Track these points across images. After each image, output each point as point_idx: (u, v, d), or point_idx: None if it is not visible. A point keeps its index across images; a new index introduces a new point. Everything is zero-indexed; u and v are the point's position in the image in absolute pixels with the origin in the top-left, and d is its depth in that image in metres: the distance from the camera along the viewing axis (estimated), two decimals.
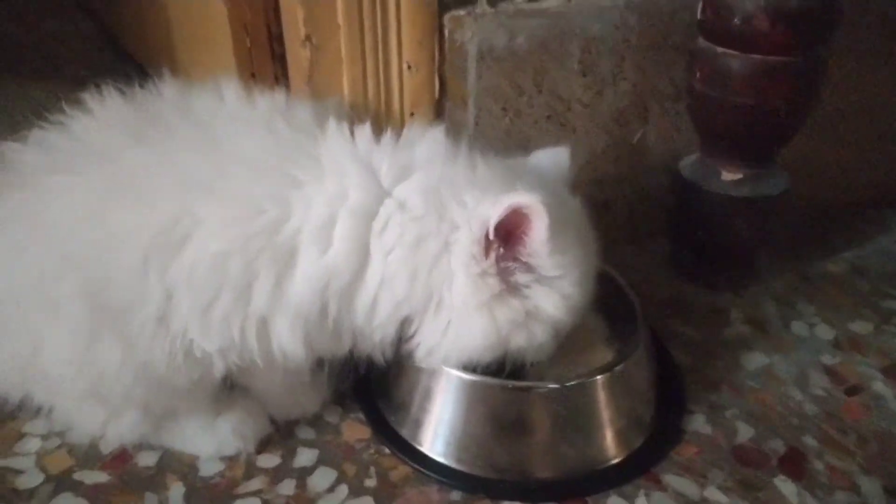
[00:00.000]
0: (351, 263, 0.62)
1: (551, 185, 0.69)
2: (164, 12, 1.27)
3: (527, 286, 0.65)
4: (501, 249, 0.63)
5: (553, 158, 0.73)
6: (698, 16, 0.85)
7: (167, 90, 0.68)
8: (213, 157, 0.63)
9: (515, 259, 0.64)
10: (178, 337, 0.62)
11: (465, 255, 0.63)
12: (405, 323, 0.66)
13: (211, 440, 0.72)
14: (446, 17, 0.82)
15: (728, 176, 0.91)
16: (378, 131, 0.67)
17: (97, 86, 0.68)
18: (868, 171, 1.16)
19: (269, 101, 0.68)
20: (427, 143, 0.67)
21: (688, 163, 0.95)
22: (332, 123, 0.66)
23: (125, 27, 1.64)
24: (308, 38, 0.81)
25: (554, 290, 0.66)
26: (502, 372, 0.71)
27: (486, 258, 0.63)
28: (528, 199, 0.59)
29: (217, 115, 0.66)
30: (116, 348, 0.62)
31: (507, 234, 0.62)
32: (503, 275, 0.64)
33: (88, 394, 0.65)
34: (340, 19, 0.79)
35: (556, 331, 0.68)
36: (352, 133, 0.66)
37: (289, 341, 0.63)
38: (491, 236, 0.62)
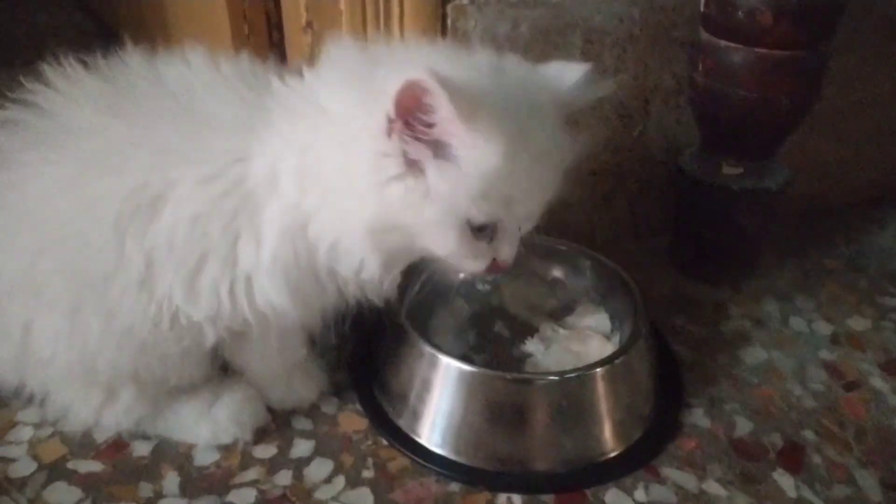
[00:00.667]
0: (296, 192, 0.61)
1: (516, 87, 0.63)
2: (162, 3, 1.26)
3: (423, 165, 0.59)
4: (406, 130, 0.58)
5: (561, 72, 0.68)
6: (701, 8, 0.85)
7: (132, 59, 0.66)
8: (181, 122, 0.62)
9: (419, 139, 0.58)
10: (164, 303, 0.61)
11: (367, 132, 0.58)
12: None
13: (207, 427, 0.71)
14: (449, 6, 0.81)
15: (729, 169, 0.90)
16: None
17: (55, 56, 0.66)
18: (868, 169, 1.16)
19: (233, 65, 0.67)
20: (335, 50, 0.64)
21: (688, 156, 0.95)
22: (287, 74, 0.65)
23: (120, 17, 1.63)
24: (310, 24, 0.80)
25: (461, 171, 0.59)
26: (502, 364, 0.70)
27: (388, 138, 0.58)
28: (425, 74, 0.54)
29: (183, 81, 0.65)
30: (97, 317, 0.62)
31: (411, 114, 0.57)
32: (405, 155, 0.59)
33: (78, 370, 0.65)
34: (342, 5, 0.79)
35: (456, 219, 0.62)
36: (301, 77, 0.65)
37: (274, 295, 0.62)
38: (392, 115, 0.57)
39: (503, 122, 0.58)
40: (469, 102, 0.55)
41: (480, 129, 0.57)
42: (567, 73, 0.67)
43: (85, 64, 0.66)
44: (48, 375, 0.67)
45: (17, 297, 0.63)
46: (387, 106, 0.56)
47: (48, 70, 0.65)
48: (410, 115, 0.57)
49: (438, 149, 0.58)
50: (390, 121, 0.57)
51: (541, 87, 0.65)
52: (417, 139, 0.58)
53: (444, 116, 0.56)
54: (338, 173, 0.60)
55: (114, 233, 0.60)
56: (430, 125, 0.57)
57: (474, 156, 0.58)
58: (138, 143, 0.61)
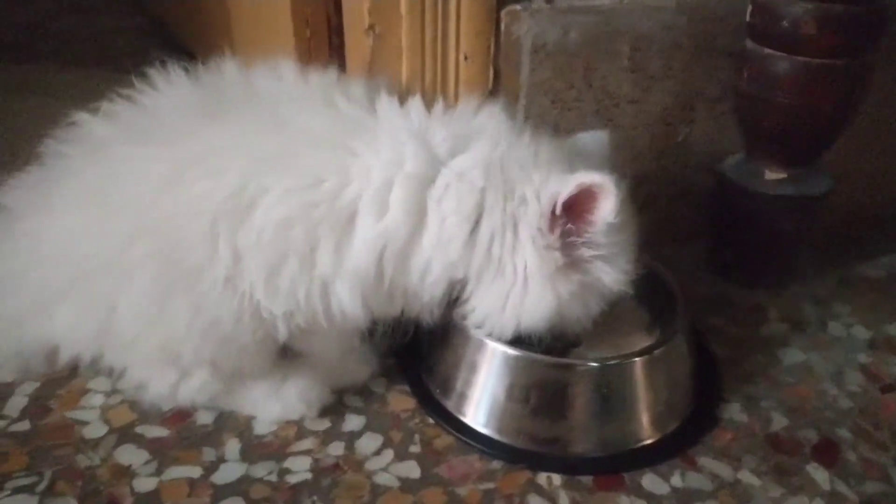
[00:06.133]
0: (407, 227, 0.65)
1: (597, 166, 0.71)
2: (224, 4, 1.32)
3: (588, 261, 0.68)
4: (569, 225, 0.66)
5: (593, 141, 0.76)
6: (747, 18, 0.88)
7: (228, 69, 0.72)
8: (276, 131, 0.67)
9: (579, 234, 0.67)
10: (246, 298, 0.66)
11: (533, 228, 0.67)
12: (454, 284, 0.69)
13: (277, 405, 0.75)
14: (503, 12, 0.85)
15: (771, 175, 0.93)
16: (429, 104, 0.71)
17: (163, 63, 0.72)
18: None
19: (323, 78, 0.72)
20: (485, 116, 0.70)
21: (731, 163, 0.98)
22: (384, 97, 0.70)
23: (181, 20, 1.70)
24: (372, 27, 0.85)
25: (613, 266, 0.69)
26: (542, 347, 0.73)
27: (552, 233, 0.66)
28: (600, 179, 0.63)
29: (277, 93, 0.70)
30: (186, 307, 0.66)
31: (572, 210, 0.66)
32: (566, 249, 0.67)
33: (160, 352, 0.69)
34: (403, 10, 0.83)
35: (606, 303, 0.72)
36: (403, 105, 0.70)
37: (348, 303, 0.67)
38: (558, 212, 0.65)
39: (625, 212, 0.67)
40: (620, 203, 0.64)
41: (621, 225, 0.66)
42: (599, 142, 0.77)
43: (186, 70, 0.71)
44: (127, 352, 0.72)
45: (106, 278, 0.67)
46: (553, 203, 0.65)
47: (153, 73, 0.71)
48: (573, 214, 0.65)
49: (591, 245, 0.67)
50: (554, 217, 0.65)
51: (604, 164, 0.73)
52: (575, 235, 0.67)
53: (603, 216, 0.65)
54: (480, 245, 0.67)
55: (210, 230, 0.64)
56: (585, 223, 0.66)
57: (620, 249, 0.68)
58: (236, 149, 0.65)
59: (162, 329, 0.67)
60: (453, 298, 0.71)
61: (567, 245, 0.67)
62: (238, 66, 0.73)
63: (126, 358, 0.72)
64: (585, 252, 0.68)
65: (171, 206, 0.65)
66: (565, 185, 0.64)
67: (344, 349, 0.77)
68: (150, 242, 0.65)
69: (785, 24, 0.83)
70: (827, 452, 0.75)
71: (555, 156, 0.69)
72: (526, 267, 0.67)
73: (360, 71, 0.90)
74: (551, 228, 0.66)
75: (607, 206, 0.64)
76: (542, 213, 0.66)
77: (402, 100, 0.71)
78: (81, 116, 0.72)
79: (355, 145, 0.66)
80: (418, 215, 0.66)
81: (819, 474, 0.73)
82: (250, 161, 0.65)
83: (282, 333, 0.69)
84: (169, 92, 0.71)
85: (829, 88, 0.85)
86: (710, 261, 1.05)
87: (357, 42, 0.90)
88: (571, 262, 0.68)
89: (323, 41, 1.01)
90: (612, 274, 0.69)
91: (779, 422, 0.79)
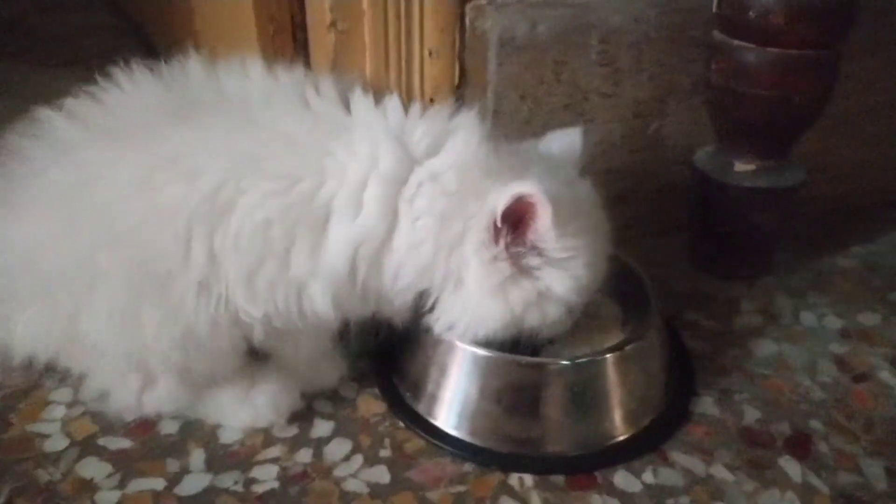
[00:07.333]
0: (381, 226, 0.65)
1: (561, 170, 0.71)
2: (189, 2, 1.30)
3: (537, 269, 0.68)
4: (510, 236, 0.66)
5: (565, 140, 0.76)
6: (714, 9, 0.87)
7: (193, 67, 0.71)
8: (249, 131, 0.65)
9: (525, 243, 0.66)
10: (222, 303, 0.64)
11: (477, 241, 0.66)
12: (422, 292, 0.69)
13: (246, 412, 0.74)
14: (468, 6, 0.83)
15: (741, 167, 0.92)
16: (405, 104, 0.70)
17: (126, 62, 0.70)
18: (888, 170, 1.17)
19: (291, 76, 0.71)
20: (462, 121, 0.69)
21: (702, 154, 0.97)
22: (358, 95, 0.69)
23: (149, 18, 1.68)
24: (334, 23, 0.83)
25: (564, 272, 0.68)
26: (518, 348, 0.72)
27: (496, 244, 0.66)
28: (530, 189, 0.62)
29: (246, 92, 0.69)
30: (157, 315, 0.64)
31: (517, 219, 0.65)
32: (514, 259, 0.67)
33: (127, 359, 0.67)
34: (365, 5, 0.82)
35: (569, 309, 0.71)
36: (379, 105, 0.69)
37: (321, 304, 0.66)
38: (499, 224, 0.64)
39: (579, 217, 0.67)
40: (562, 212, 0.63)
41: (570, 231, 0.66)
42: (571, 142, 0.76)
43: (150, 70, 0.70)
44: (91, 360, 0.70)
45: (73, 285, 0.65)
46: (493, 215, 0.64)
47: (116, 72, 0.69)
48: (515, 223, 0.65)
49: (538, 252, 0.67)
50: (497, 228, 0.65)
51: (569, 165, 0.73)
52: (521, 244, 0.66)
53: (542, 225, 0.64)
54: (443, 252, 0.66)
55: (183, 234, 0.63)
56: (530, 231, 0.65)
57: (570, 255, 0.67)
58: (209, 151, 0.64)
59: (130, 337, 0.65)
60: (421, 307, 0.70)
61: (514, 255, 0.66)
62: (204, 64, 0.71)
63: (89, 366, 0.71)
64: (533, 260, 0.67)
65: (142, 211, 0.63)
66: (501, 197, 0.63)
67: (316, 351, 0.76)
68: (119, 249, 0.64)
69: (752, 14, 0.82)
70: (799, 445, 0.75)
71: (505, 165, 0.68)
72: (476, 279, 0.67)
73: (325, 68, 0.89)
74: (495, 240, 0.66)
75: (544, 215, 0.63)
76: (483, 226, 0.65)
77: (377, 99, 0.70)
78: (44, 113, 0.70)
79: (331, 144, 0.65)
80: (390, 214, 0.65)
81: (792, 467, 0.72)
82: (225, 163, 0.64)
83: (258, 336, 0.68)
84: (134, 92, 0.69)
85: (799, 79, 0.84)
86: (689, 254, 1.04)
87: (321, 38, 0.89)
88: (520, 270, 0.67)
89: (287, 38, 0.99)
90: (563, 281, 0.68)
91: (752, 415, 0.78)
